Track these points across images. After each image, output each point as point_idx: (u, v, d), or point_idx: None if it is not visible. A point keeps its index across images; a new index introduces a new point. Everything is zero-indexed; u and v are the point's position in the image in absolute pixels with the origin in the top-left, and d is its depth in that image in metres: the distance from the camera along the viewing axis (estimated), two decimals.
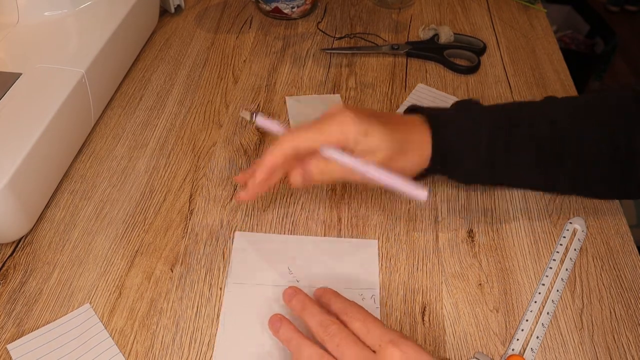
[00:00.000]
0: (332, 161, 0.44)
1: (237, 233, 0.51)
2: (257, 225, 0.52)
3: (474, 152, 0.48)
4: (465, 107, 0.50)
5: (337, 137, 0.43)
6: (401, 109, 0.64)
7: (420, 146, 0.47)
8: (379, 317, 0.45)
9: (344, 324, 0.39)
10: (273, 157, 0.43)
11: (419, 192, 0.42)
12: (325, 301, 0.43)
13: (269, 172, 0.44)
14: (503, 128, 0.48)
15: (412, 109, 0.51)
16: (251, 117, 0.45)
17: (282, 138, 0.43)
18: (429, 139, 0.47)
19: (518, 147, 0.48)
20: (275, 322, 0.43)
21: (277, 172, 0.46)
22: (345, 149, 0.44)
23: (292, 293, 0.43)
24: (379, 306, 0.46)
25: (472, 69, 0.70)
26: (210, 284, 0.47)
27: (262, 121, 0.45)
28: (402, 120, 0.49)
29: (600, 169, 0.49)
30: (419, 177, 0.50)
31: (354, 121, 0.43)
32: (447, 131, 0.48)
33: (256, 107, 0.47)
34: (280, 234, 0.51)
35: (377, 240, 0.51)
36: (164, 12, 0.79)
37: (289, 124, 0.62)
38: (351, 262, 0.49)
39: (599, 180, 0.50)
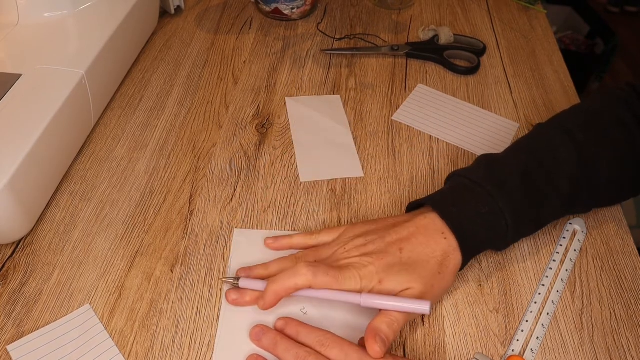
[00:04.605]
0: None
1: (235, 230, 0.51)
2: (257, 225, 0.52)
3: (501, 240, 0.47)
4: (477, 196, 0.46)
5: (353, 288, 0.42)
6: (401, 110, 0.64)
7: (445, 259, 0.44)
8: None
9: (320, 354, 0.40)
10: (285, 291, 0.42)
11: (422, 307, 0.41)
12: (292, 333, 0.42)
13: (276, 302, 0.43)
14: (525, 213, 0.46)
15: (416, 204, 0.48)
16: (233, 282, 0.46)
17: (300, 274, 0.42)
18: (457, 253, 0.44)
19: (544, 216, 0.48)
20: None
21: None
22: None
23: (260, 332, 0.43)
24: None
25: (472, 70, 0.70)
26: (210, 285, 0.47)
27: (246, 283, 0.45)
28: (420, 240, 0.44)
29: (616, 194, 0.51)
30: None
31: (368, 277, 0.42)
32: (472, 237, 0.45)
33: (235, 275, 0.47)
34: None
35: None
36: (164, 13, 0.79)
37: (289, 126, 0.62)
38: None
39: (612, 199, 0.53)
